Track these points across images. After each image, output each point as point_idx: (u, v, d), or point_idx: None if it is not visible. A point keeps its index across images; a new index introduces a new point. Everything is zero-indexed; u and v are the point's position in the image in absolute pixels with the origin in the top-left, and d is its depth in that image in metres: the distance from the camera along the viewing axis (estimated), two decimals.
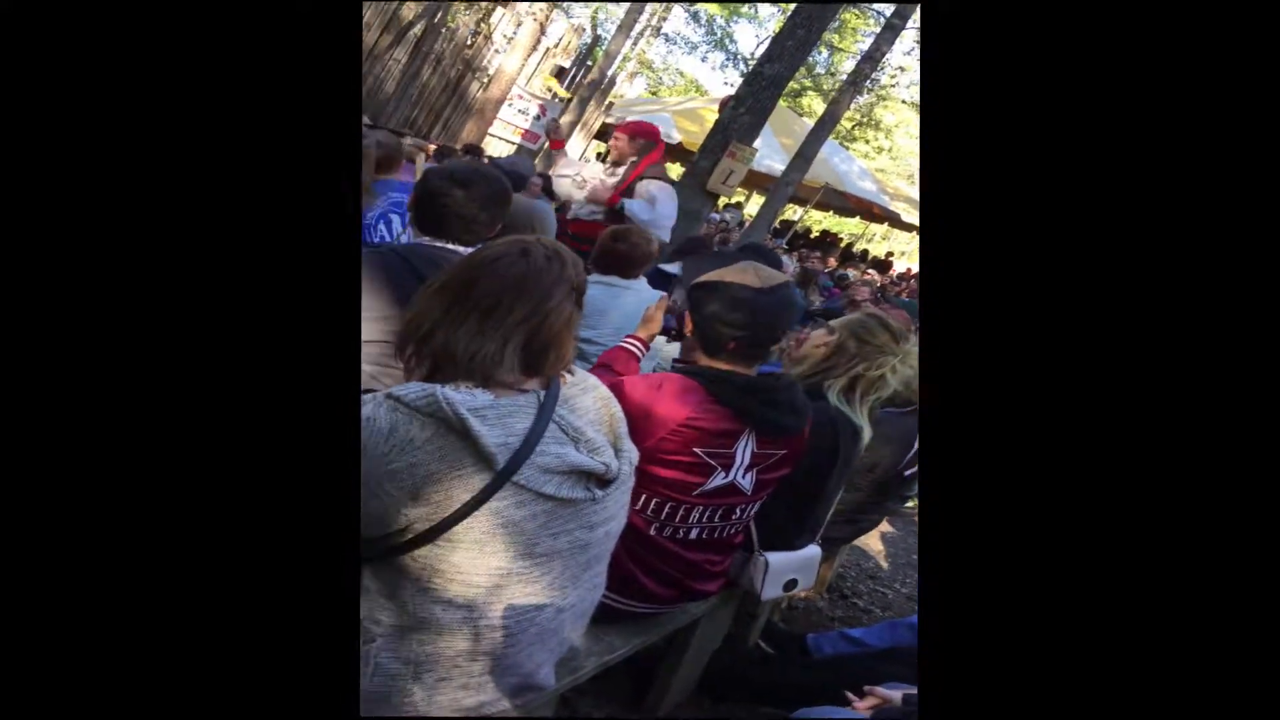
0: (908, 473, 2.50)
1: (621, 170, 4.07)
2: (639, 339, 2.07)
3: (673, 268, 3.39)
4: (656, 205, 3.97)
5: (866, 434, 2.12)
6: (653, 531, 1.75)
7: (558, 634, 1.24)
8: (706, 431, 1.68)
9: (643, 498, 1.71)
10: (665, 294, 2.16)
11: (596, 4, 18.95)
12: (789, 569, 2.02)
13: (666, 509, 1.74)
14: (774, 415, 1.75)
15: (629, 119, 4.65)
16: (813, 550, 2.10)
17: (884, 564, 3.60)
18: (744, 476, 1.78)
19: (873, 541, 3.71)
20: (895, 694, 1.65)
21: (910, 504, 4.14)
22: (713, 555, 1.86)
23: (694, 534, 1.79)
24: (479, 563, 1.10)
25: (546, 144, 4.93)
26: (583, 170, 4.28)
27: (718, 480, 1.74)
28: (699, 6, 19.25)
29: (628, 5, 13.41)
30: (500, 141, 9.46)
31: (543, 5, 9.85)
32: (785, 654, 2.42)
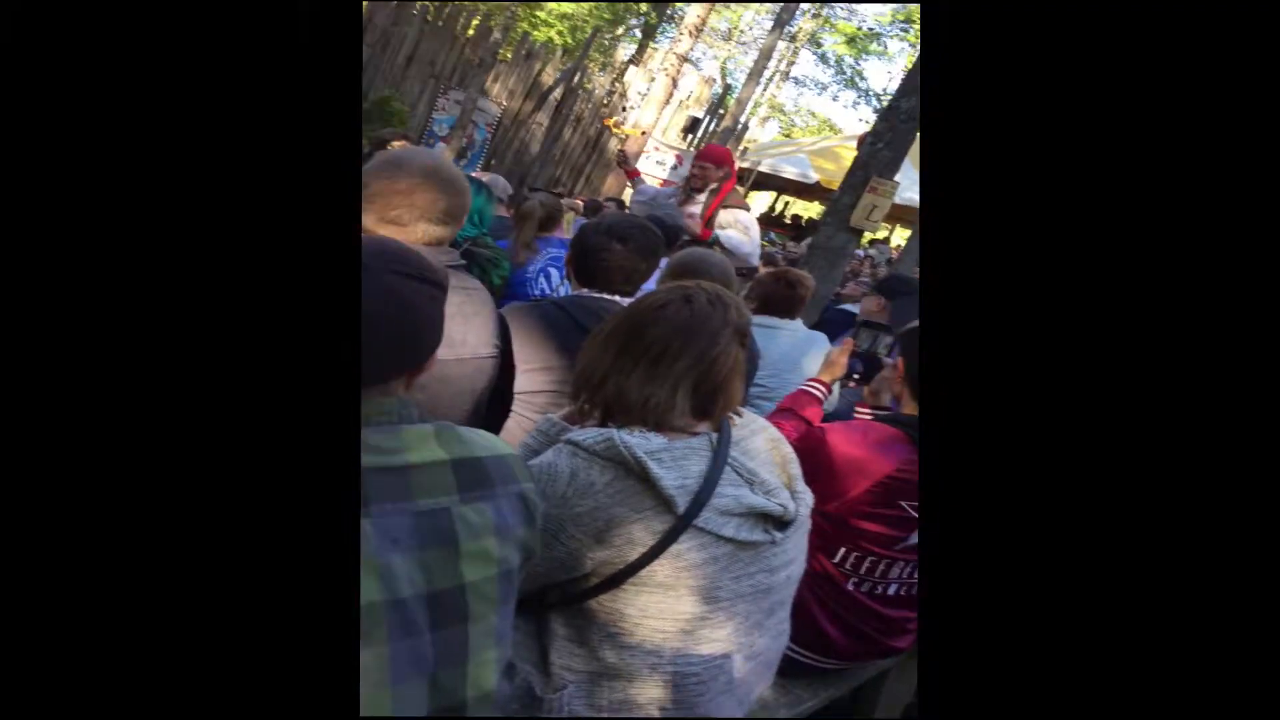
0: None
1: (702, 198, 4.07)
2: (822, 382, 2.02)
3: (854, 308, 3.33)
4: (750, 234, 3.97)
5: None
6: (850, 586, 1.69)
7: (746, 683, 1.21)
8: (913, 484, 1.61)
9: (842, 551, 1.66)
10: (848, 337, 2.10)
11: (725, 55, 19.25)
12: None
13: (866, 564, 1.67)
14: None
15: (706, 148, 4.69)
16: None
17: None
18: None
19: None
20: None
21: None
22: (909, 612, 1.78)
23: (892, 590, 1.72)
24: (664, 607, 1.10)
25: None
26: (660, 194, 4.32)
27: None
28: (828, 49, 19.25)
29: (756, 54, 13.55)
30: None
31: (674, 60, 10.11)
32: None
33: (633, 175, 4.87)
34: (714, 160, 4.18)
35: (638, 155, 7.09)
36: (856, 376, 1.99)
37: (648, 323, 1.17)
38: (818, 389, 1.99)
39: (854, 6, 18.30)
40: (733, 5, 18.78)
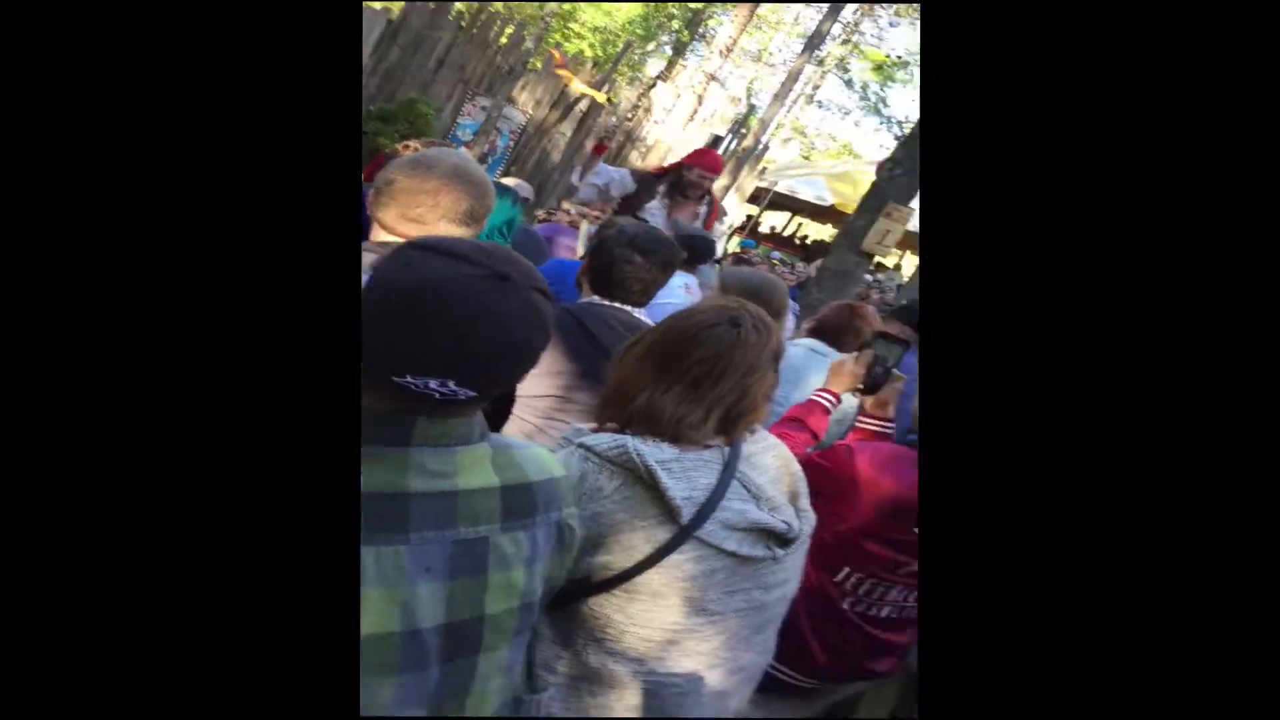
0: None
1: (701, 209, 3.89)
2: (832, 393, 1.98)
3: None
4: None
5: None
6: (845, 605, 1.69)
7: (725, 697, 1.22)
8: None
9: (845, 570, 1.66)
10: (861, 352, 2.09)
11: (753, 76, 19.36)
12: None
13: (866, 585, 1.67)
14: None
15: (707, 154, 4.30)
16: None
17: None
18: None
19: None
20: None
21: None
22: (897, 635, 1.78)
23: (885, 612, 1.72)
24: (653, 616, 1.10)
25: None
26: (614, 182, 4.11)
27: None
28: (854, 74, 19.32)
29: (783, 76, 13.62)
30: None
31: (702, 78, 10.17)
32: None
33: (600, 151, 4.44)
34: (713, 168, 3.97)
35: (610, 134, 6.22)
36: (861, 387, 1.98)
37: (694, 342, 1.16)
38: (828, 399, 1.96)
39: (884, 35, 18.38)
40: (764, 29, 18.89)
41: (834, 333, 2.66)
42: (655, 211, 3.96)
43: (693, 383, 1.15)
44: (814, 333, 2.67)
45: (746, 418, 1.18)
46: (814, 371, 2.57)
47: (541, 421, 1.84)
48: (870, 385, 1.94)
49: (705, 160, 4.12)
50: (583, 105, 9.35)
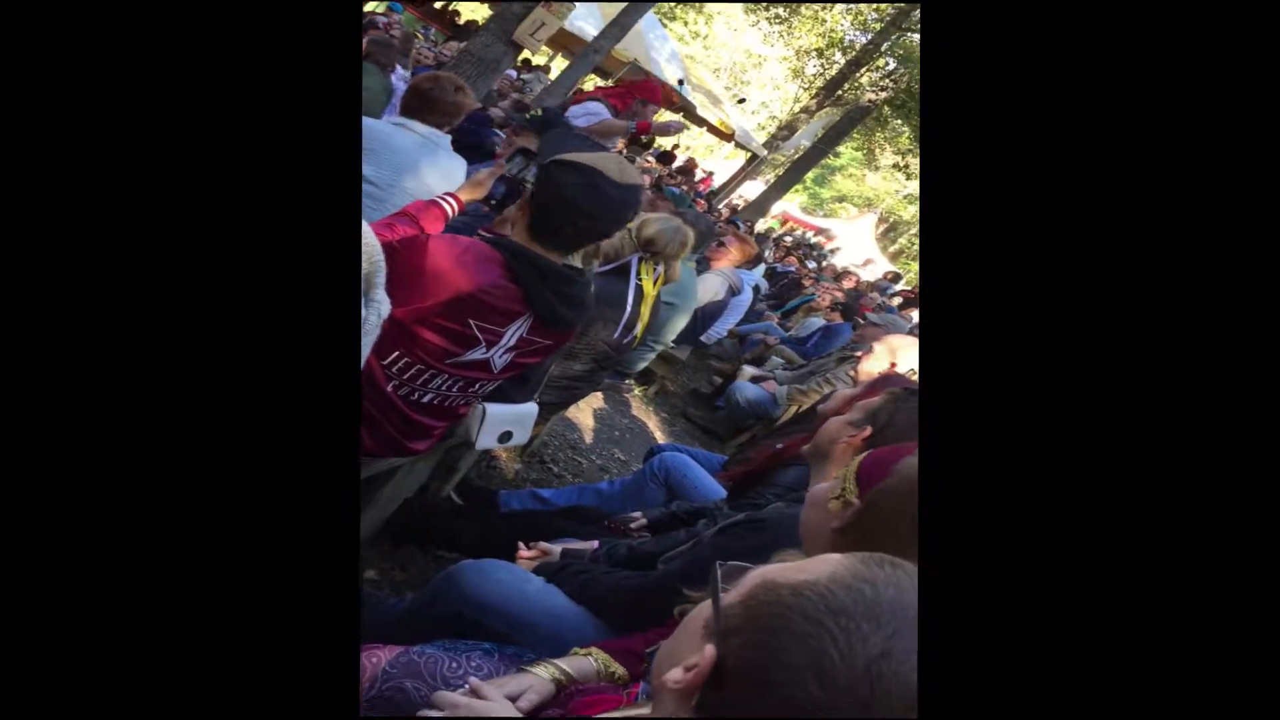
0: (625, 340, 2.66)
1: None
2: (457, 199, 1.96)
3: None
4: None
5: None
6: (389, 388, 1.73)
7: None
8: (489, 307, 1.67)
9: (394, 355, 1.69)
10: (499, 162, 2.05)
11: None
12: (506, 420, 2.09)
13: (413, 371, 1.71)
14: (561, 308, 1.75)
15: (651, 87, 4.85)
16: (530, 406, 2.19)
17: (587, 437, 3.87)
18: (501, 356, 1.79)
19: (583, 416, 3.98)
20: (556, 548, 1.86)
21: (629, 381, 4.45)
22: (436, 421, 1.88)
23: (427, 399, 1.79)
24: None
25: None
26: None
27: (475, 354, 1.74)
28: None
29: None
30: None
31: None
32: (475, 507, 2.52)
33: (644, 129, 4.64)
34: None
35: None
36: (493, 201, 1.96)
37: None
38: (450, 204, 1.95)
39: None
40: None
41: (414, 102, 2.61)
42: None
43: None
44: (405, 108, 2.62)
45: None
46: (426, 161, 2.57)
47: None
48: (499, 201, 1.96)
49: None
50: None
